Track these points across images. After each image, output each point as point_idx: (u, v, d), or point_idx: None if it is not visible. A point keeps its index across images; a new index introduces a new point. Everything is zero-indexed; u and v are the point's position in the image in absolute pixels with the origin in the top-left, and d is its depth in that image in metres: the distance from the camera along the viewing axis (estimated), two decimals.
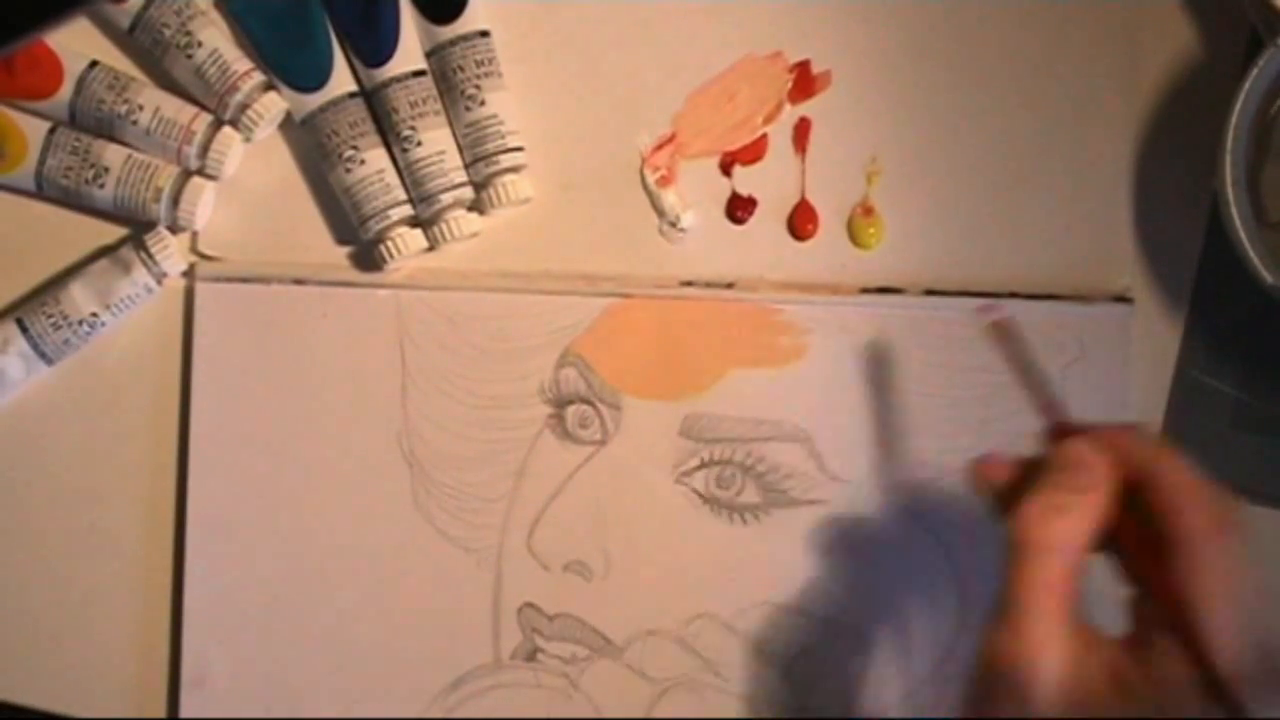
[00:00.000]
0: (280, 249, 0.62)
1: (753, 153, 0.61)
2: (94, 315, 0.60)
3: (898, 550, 0.60)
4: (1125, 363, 0.60)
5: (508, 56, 0.61)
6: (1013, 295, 0.60)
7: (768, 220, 0.61)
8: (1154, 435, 0.50)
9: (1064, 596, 0.46)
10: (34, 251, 0.62)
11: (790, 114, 0.61)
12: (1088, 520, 0.46)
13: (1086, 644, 0.46)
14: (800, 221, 0.61)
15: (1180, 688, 0.45)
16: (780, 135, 0.61)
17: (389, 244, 0.60)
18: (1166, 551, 0.46)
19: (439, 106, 0.60)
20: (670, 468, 0.60)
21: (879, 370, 0.59)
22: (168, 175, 0.60)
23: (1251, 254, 0.55)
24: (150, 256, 0.60)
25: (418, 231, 0.60)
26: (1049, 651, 0.45)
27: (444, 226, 0.60)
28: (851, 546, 0.60)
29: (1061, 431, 0.50)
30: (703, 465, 0.60)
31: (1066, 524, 0.46)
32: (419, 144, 0.59)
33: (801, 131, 0.61)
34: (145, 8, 0.59)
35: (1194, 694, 0.44)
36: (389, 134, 0.60)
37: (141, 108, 0.60)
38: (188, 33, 0.59)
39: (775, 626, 0.60)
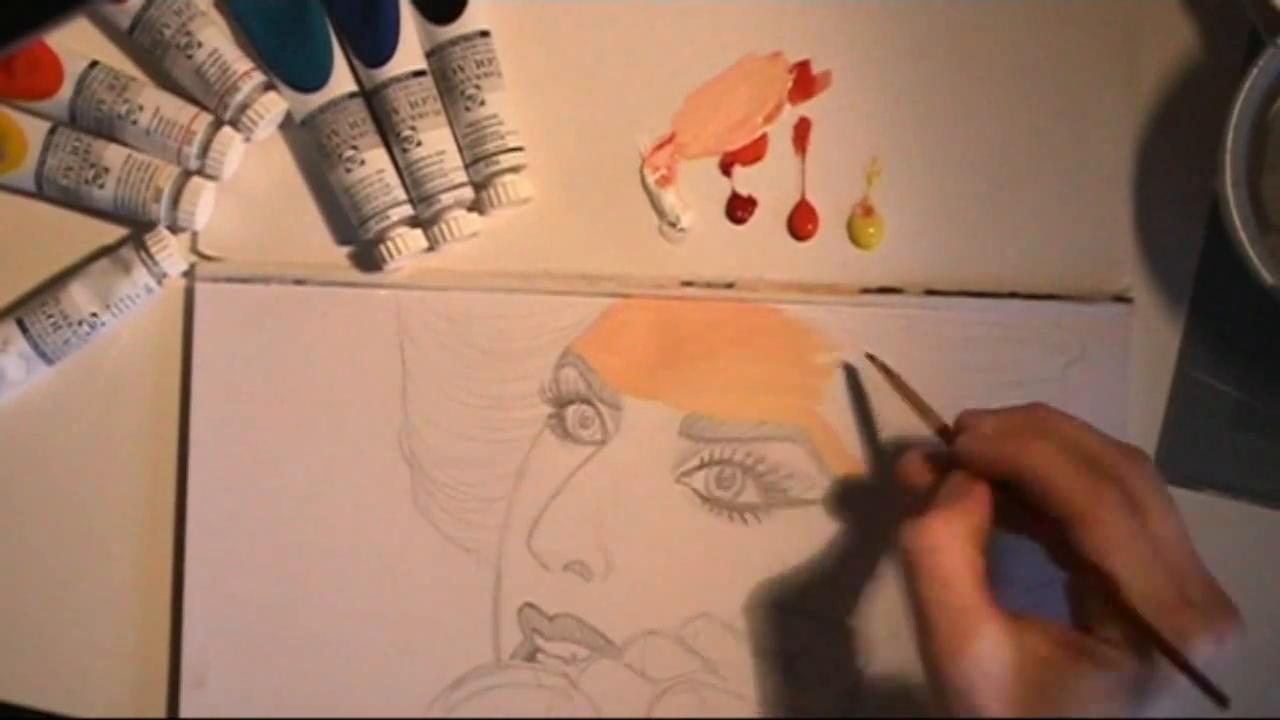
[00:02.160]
0: (280, 249, 0.62)
1: (753, 153, 0.61)
2: (94, 315, 0.60)
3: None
4: (1125, 363, 0.60)
5: (508, 56, 0.61)
6: (1013, 295, 0.60)
7: (768, 220, 0.61)
8: (1032, 418, 0.52)
9: (969, 586, 0.49)
10: (34, 251, 0.62)
11: (790, 114, 0.61)
12: (964, 520, 0.50)
13: (1020, 629, 0.48)
14: (800, 221, 0.61)
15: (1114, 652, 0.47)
16: (780, 135, 0.61)
17: (389, 244, 0.60)
18: (1066, 530, 0.49)
19: (439, 106, 0.60)
20: (670, 468, 0.60)
21: (878, 370, 0.59)
22: (168, 175, 0.60)
23: (1252, 255, 0.55)
24: (150, 256, 0.60)
25: (418, 231, 0.60)
26: (979, 637, 0.48)
27: (444, 226, 0.60)
28: (851, 546, 0.60)
29: (947, 431, 0.55)
30: (703, 465, 0.60)
31: (941, 526, 0.50)
32: (419, 144, 0.59)
33: (801, 131, 0.61)
34: (145, 8, 0.59)
35: (1128, 654, 0.47)
36: (389, 134, 0.60)
37: (141, 108, 0.60)
38: (188, 33, 0.59)
39: (775, 626, 0.60)
